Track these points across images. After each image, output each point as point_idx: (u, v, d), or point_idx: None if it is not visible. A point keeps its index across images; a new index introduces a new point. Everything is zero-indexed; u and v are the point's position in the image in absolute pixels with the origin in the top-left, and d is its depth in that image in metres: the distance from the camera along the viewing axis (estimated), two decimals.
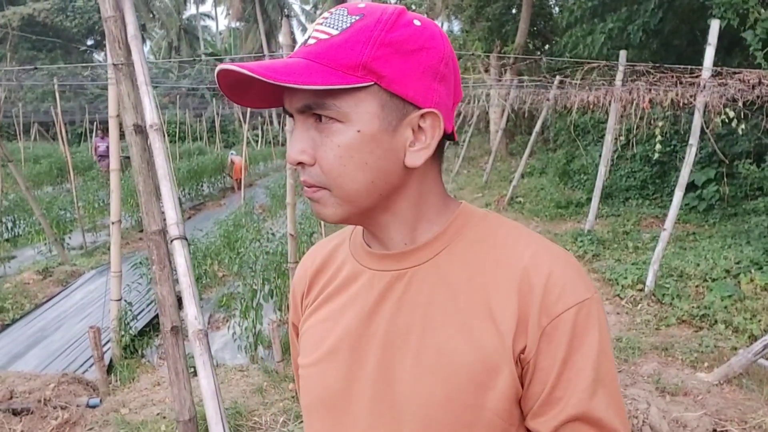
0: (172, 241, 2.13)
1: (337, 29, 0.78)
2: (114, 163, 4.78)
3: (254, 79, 0.75)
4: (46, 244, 8.48)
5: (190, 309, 2.05)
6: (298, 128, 0.81)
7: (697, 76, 5.02)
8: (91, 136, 25.17)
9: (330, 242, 1.06)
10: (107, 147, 14.61)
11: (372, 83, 0.77)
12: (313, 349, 0.95)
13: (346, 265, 0.96)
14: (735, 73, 4.81)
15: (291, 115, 0.84)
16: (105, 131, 15.32)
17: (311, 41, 0.79)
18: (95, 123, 25.81)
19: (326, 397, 0.91)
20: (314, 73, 0.76)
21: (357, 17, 0.79)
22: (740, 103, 4.70)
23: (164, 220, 2.28)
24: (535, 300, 0.79)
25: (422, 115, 0.82)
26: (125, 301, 5.14)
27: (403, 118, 0.81)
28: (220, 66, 0.77)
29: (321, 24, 0.80)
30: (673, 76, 5.04)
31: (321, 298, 0.98)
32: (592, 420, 0.78)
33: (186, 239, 2.13)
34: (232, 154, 16.21)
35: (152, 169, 2.30)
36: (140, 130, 2.37)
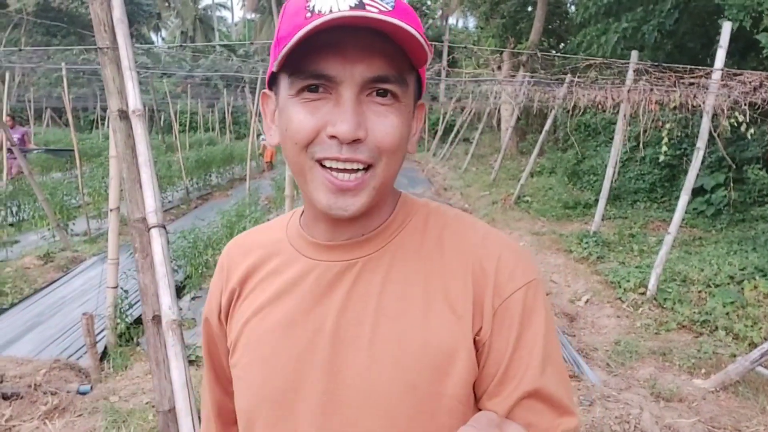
0: (149, 229, 2.10)
1: (388, 4, 0.73)
2: (113, 149, 4.76)
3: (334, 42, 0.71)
4: (49, 229, 8.49)
5: (165, 298, 2.01)
6: (352, 103, 0.74)
7: (699, 77, 4.93)
8: (103, 124, 25.26)
9: (262, 232, 0.99)
10: (19, 139, 10.75)
11: (419, 66, 0.77)
12: (252, 346, 0.89)
13: (286, 257, 0.90)
14: (736, 74, 4.72)
15: (312, 87, 0.75)
16: (14, 119, 11.79)
17: (372, 9, 0.71)
18: (107, 110, 25.93)
19: (271, 398, 0.85)
20: None
21: None
22: (743, 105, 4.61)
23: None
24: (489, 282, 0.80)
25: (419, 105, 0.84)
26: (122, 288, 5.13)
27: (414, 105, 0.82)
28: (346, 13, 0.69)
29: None
30: (672, 77, 4.96)
31: (257, 292, 0.91)
32: (544, 396, 0.78)
33: (164, 228, 2.10)
34: (263, 138, 16.01)
35: (135, 156, 2.27)
36: (125, 115, 2.34)
